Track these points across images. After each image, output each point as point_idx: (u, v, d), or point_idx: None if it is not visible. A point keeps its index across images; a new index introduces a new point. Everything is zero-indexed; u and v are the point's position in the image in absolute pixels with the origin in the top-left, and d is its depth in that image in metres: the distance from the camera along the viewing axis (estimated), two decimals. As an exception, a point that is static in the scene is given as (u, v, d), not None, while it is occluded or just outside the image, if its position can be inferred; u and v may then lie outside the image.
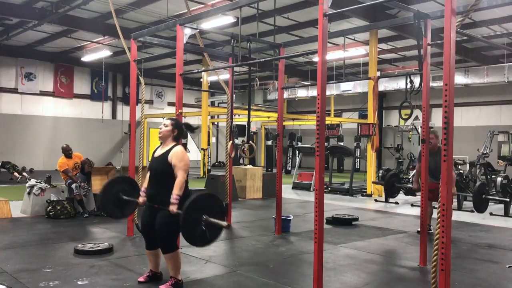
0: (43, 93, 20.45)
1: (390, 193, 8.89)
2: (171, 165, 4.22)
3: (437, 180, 6.31)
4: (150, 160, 4.50)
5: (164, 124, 4.44)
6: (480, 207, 7.79)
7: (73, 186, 8.42)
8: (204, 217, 3.92)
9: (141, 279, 4.57)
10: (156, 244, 4.37)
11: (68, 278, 4.66)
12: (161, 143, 4.49)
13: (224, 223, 3.94)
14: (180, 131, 4.46)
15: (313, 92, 20.39)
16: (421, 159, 6.08)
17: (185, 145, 19.13)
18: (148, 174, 4.51)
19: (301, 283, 4.77)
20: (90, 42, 17.47)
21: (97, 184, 9.03)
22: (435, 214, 4.33)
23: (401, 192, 11.81)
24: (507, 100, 19.09)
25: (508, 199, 9.21)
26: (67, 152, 8.73)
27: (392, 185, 8.86)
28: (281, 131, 7.38)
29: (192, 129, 4.70)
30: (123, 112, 22.98)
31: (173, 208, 4.06)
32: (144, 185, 4.57)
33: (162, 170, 4.27)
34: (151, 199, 4.32)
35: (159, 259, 4.54)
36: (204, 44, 10.63)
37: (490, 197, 8.14)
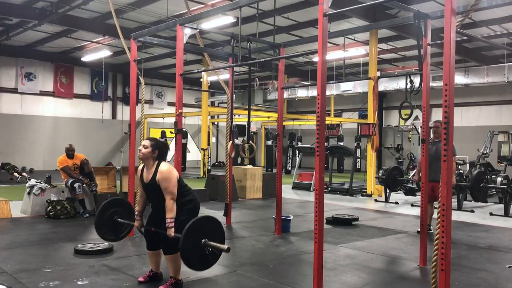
0: (43, 93, 20.46)
1: (392, 187, 8.85)
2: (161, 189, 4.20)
3: (435, 173, 6.31)
4: (140, 181, 4.41)
5: (144, 145, 4.31)
6: (478, 195, 7.69)
7: (76, 185, 8.41)
8: (204, 240, 3.88)
9: (141, 278, 4.58)
10: (157, 245, 4.38)
11: (68, 278, 4.66)
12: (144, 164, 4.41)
13: (225, 247, 3.88)
14: (161, 152, 4.33)
15: (313, 92, 20.39)
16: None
17: (185, 145, 19.13)
18: (139, 195, 4.53)
19: (301, 283, 4.77)
20: (90, 42, 17.47)
21: (97, 184, 9.03)
22: (435, 215, 4.33)
23: (401, 192, 11.86)
24: (507, 100, 19.09)
25: (505, 186, 9.12)
26: (68, 152, 8.72)
27: (393, 179, 8.83)
28: (281, 131, 7.38)
29: (167, 150, 4.52)
30: (123, 112, 22.98)
31: (170, 232, 4.05)
32: (137, 208, 4.58)
33: (156, 191, 4.22)
34: (158, 219, 4.27)
35: (159, 259, 4.55)
36: (204, 44, 10.63)
37: (489, 185, 8.04)
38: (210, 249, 3.90)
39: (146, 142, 4.32)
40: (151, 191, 4.30)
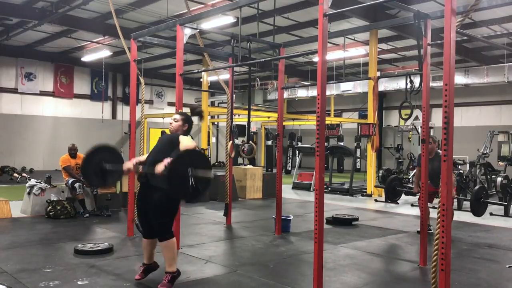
0: (43, 93, 20.45)
1: (392, 196, 8.88)
2: (177, 144, 4.21)
3: (436, 186, 6.32)
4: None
5: (174, 119, 4.47)
6: (478, 211, 7.77)
7: (76, 185, 8.42)
8: (190, 170, 3.90)
9: (137, 276, 4.57)
10: (153, 232, 4.39)
11: (68, 278, 4.66)
12: None
13: (211, 174, 3.98)
14: (190, 126, 4.50)
15: (313, 92, 20.39)
16: (420, 163, 6.11)
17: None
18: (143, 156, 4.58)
19: (301, 283, 4.77)
20: (90, 42, 17.47)
21: (97, 184, 9.04)
22: (433, 214, 4.33)
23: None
24: (507, 100, 19.09)
25: (506, 203, 9.20)
26: (71, 151, 8.73)
27: (393, 188, 8.86)
28: (281, 131, 7.38)
29: (201, 115, 4.82)
30: (123, 112, 22.98)
31: (159, 168, 3.98)
32: (138, 159, 4.61)
33: (166, 147, 4.30)
34: (149, 166, 4.23)
35: (154, 249, 4.55)
36: (204, 44, 10.62)
37: (489, 201, 8.11)
38: (198, 179, 3.94)
39: (177, 116, 4.48)
40: (160, 146, 4.37)
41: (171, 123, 4.48)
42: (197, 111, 4.79)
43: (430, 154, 6.71)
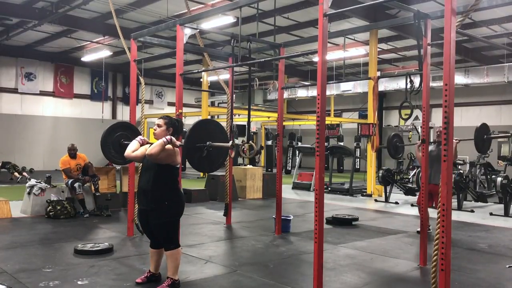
0: (43, 93, 20.46)
1: (394, 154, 8.84)
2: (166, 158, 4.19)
3: (435, 176, 6.28)
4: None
5: (158, 124, 4.32)
6: (482, 148, 7.76)
7: (76, 185, 8.42)
8: (208, 143, 3.92)
9: (138, 280, 4.56)
10: (159, 243, 4.40)
11: (68, 278, 4.66)
12: None
13: (229, 144, 3.97)
14: (175, 129, 4.35)
15: (313, 92, 20.39)
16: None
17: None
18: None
19: (301, 283, 4.77)
20: (90, 42, 17.47)
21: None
22: (433, 214, 4.32)
23: (401, 191, 11.86)
24: (507, 100, 19.09)
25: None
26: (71, 152, 8.73)
27: (395, 146, 8.82)
28: (281, 131, 7.38)
29: (181, 127, 4.53)
30: (123, 112, 22.98)
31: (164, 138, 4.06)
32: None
33: (155, 169, 4.22)
34: (145, 193, 4.25)
35: (160, 259, 4.55)
36: (204, 44, 10.62)
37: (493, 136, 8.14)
38: (216, 149, 3.98)
39: (160, 121, 4.32)
40: (149, 165, 4.28)
41: (155, 129, 4.33)
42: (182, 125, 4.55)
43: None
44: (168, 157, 4.18)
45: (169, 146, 4.09)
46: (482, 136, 7.73)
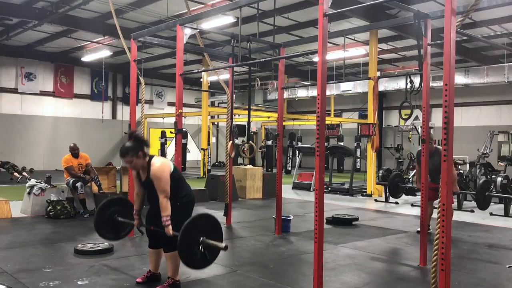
0: (43, 93, 20.46)
1: (394, 193, 8.88)
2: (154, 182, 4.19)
3: (436, 182, 6.31)
4: (135, 178, 4.40)
5: (127, 161, 4.17)
6: (482, 204, 7.76)
7: (78, 184, 8.42)
8: (202, 239, 3.88)
9: (139, 279, 4.57)
10: (158, 243, 4.38)
11: (68, 278, 4.66)
12: None
13: (222, 245, 3.87)
14: (142, 150, 4.20)
15: (313, 92, 20.39)
16: (419, 161, 6.13)
17: (185, 145, 19.12)
18: (136, 194, 4.49)
19: (301, 283, 4.77)
20: (90, 42, 17.47)
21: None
22: (434, 215, 4.33)
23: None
24: (507, 100, 19.09)
25: (510, 195, 9.16)
26: (73, 151, 8.72)
27: (395, 185, 8.85)
28: (281, 131, 7.38)
29: (142, 141, 4.31)
30: (123, 112, 22.99)
31: (168, 230, 4.06)
32: (134, 207, 4.53)
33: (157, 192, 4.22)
34: (155, 217, 4.25)
35: (160, 259, 4.55)
36: (204, 44, 10.63)
37: (493, 194, 8.11)
38: (209, 248, 3.89)
39: (126, 158, 4.16)
40: (149, 188, 4.28)
41: (130, 168, 4.28)
42: (135, 135, 4.34)
43: (429, 151, 6.71)
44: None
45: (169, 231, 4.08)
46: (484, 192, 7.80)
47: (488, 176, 12.65)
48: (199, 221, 3.97)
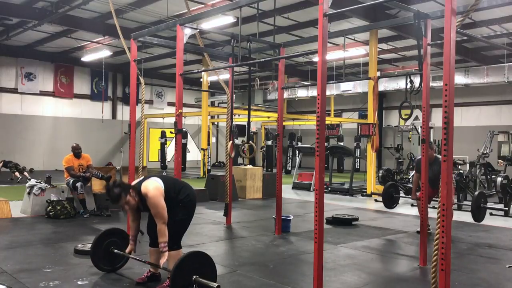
0: (43, 93, 20.46)
1: (389, 204, 8.88)
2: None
3: (433, 188, 6.32)
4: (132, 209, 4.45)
5: (124, 203, 4.23)
6: (478, 216, 7.80)
7: (78, 184, 8.41)
8: (194, 277, 3.91)
9: (139, 279, 4.57)
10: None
11: (68, 278, 4.66)
12: None
13: (214, 285, 3.88)
14: (130, 187, 4.28)
15: (313, 92, 20.39)
16: (418, 169, 6.17)
17: (185, 145, 19.13)
18: (131, 221, 4.54)
19: (301, 283, 4.77)
20: (90, 42, 17.47)
21: (97, 184, 9.04)
22: (433, 214, 4.31)
23: (401, 191, 11.83)
24: (507, 100, 19.09)
25: (506, 209, 9.22)
26: (75, 151, 8.72)
27: (390, 196, 8.85)
28: (281, 131, 7.38)
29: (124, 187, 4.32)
30: (123, 112, 22.98)
31: (163, 259, 4.15)
32: (131, 233, 4.55)
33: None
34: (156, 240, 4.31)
35: (159, 258, 4.54)
36: (204, 44, 10.62)
37: (488, 206, 8.16)
38: (201, 286, 3.91)
39: (121, 202, 4.21)
40: (149, 212, 4.32)
41: (127, 209, 4.34)
42: (106, 177, 4.55)
43: (429, 159, 6.70)
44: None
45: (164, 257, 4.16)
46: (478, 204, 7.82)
47: (488, 176, 12.67)
48: (191, 259, 4.00)
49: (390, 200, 8.80)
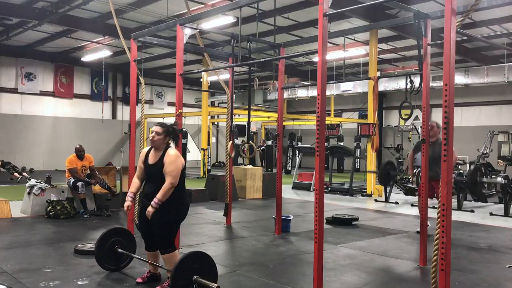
0: (43, 93, 20.46)
1: (386, 181, 8.79)
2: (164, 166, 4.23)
3: (435, 173, 6.29)
4: (143, 162, 4.44)
5: (156, 132, 4.32)
6: (474, 191, 7.64)
7: (79, 184, 8.42)
8: (194, 277, 3.90)
9: (139, 279, 4.57)
10: (154, 245, 4.39)
11: (68, 278, 4.66)
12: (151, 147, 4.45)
13: (215, 285, 3.88)
14: (174, 137, 4.49)
15: (313, 92, 20.39)
16: (416, 148, 6.27)
17: (185, 145, 19.17)
18: (136, 177, 4.51)
19: (301, 283, 4.77)
20: (90, 42, 17.47)
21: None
22: (433, 214, 4.31)
23: (401, 191, 11.84)
24: (507, 100, 19.09)
25: (504, 181, 9.13)
26: (79, 153, 8.72)
27: (387, 173, 8.77)
28: (281, 131, 7.38)
29: (177, 134, 4.61)
30: (123, 112, 22.98)
31: (149, 210, 4.12)
32: (131, 189, 4.51)
33: (160, 174, 4.24)
34: (148, 197, 4.27)
35: (158, 260, 4.55)
36: (204, 44, 10.62)
37: (485, 179, 7.96)
38: (202, 286, 3.90)
39: (158, 129, 4.34)
40: (154, 174, 4.30)
41: (153, 137, 4.32)
42: (176, 126, 4.61)
43: (432, 137, 6.70)
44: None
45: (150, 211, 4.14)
46: None
47: (488, 177, 12.65)
48: (191, 259, 3.99)
49: (387, 178, 8.73)
